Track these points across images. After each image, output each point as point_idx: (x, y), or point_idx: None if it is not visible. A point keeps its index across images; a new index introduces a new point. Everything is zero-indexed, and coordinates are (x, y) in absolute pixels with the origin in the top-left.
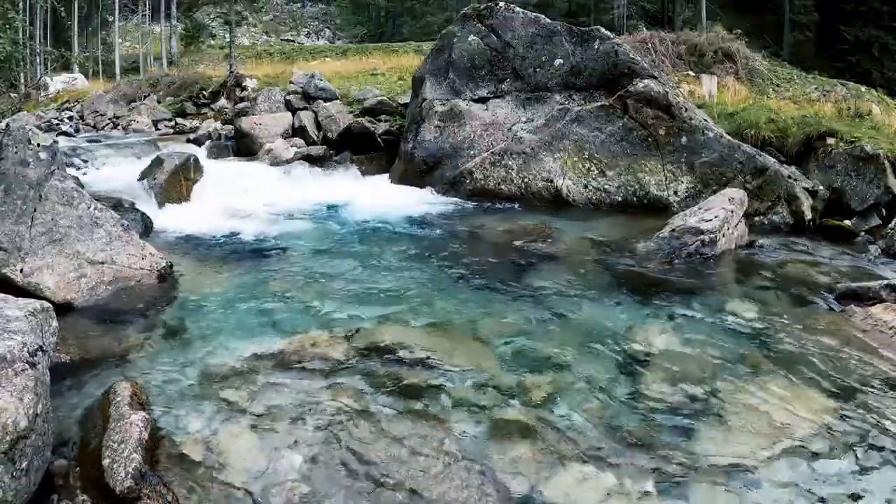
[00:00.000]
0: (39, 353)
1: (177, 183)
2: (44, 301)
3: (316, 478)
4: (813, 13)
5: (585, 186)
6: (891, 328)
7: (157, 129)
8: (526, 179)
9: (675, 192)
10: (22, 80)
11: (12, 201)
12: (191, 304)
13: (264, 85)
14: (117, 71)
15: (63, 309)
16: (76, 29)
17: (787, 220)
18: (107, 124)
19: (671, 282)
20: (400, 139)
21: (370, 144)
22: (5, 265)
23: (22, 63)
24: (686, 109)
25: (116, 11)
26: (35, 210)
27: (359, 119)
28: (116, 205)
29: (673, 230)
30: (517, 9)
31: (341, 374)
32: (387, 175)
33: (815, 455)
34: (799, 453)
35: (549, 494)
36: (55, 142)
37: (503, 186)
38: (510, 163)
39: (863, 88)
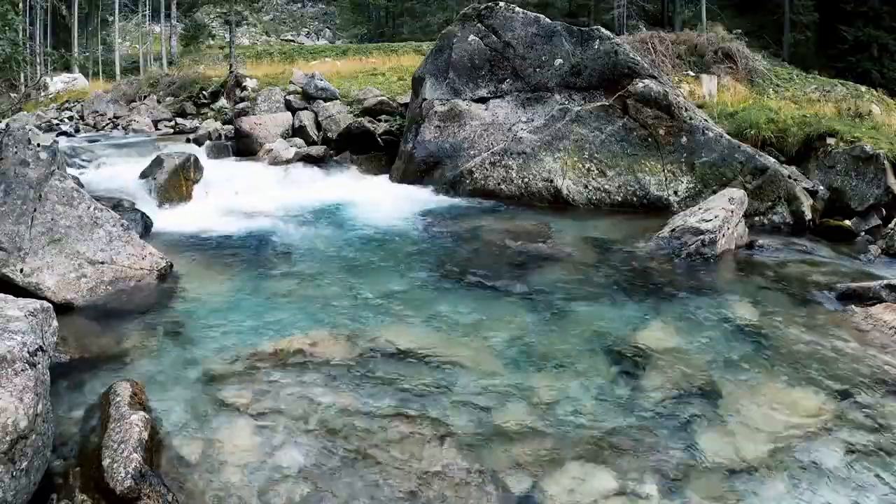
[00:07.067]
0: (39, 353)
1: (177, 183)
2: (44, 301)
3: (316, 477)
4: (813, 13)
5: (585, 186)
6: (891, 328)
7: (157, 129)
8: (526, 179)
9: (675, 192)
10: (22, 80)
11: (12, 201)
12: (191, 304)
13: (264, 85)
14: (117, 71)
15: (63, 309)
16: (76, 29)
17: (787, 220)
18: (107, 124)
19: (671, 282)
20: (400, 139)
21: (370, 144)
22: (5, 265)
23: (22, 64)
24: (686, 109)
25: (116, 11)
26: (35, 210)
27: (359, 119)
28: (116, 205)
29: (673, 230)
30: (517, 9)
31: (341, 373)
32: (387, 175)
33: (816, 454)
34: (799, 453)
35: (549, 494)
36: (55, 142)
37: (503, 186)
38: (510, 163)
39: (863, 88)
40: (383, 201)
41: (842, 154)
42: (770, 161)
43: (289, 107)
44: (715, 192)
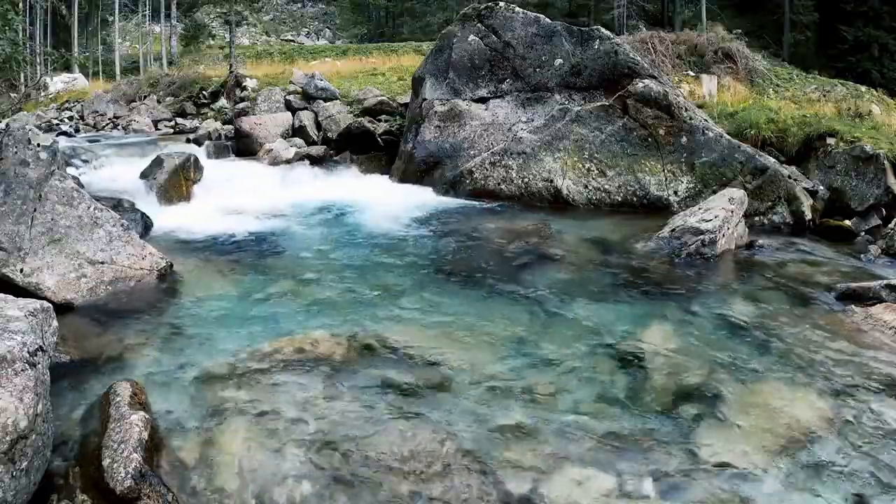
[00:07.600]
0: (39, 353)
1: (177, 183)
2: (44, 301)
3: (315, 478)
4: (813, 13)
5: (585, 186)
6: (891, 328)
7: (157, 129)
8: (526, 179)
9: (675, 192)
10: (22, 80)
11: (12, 201)
12: (191, 304)
13: (264, 85)
14: (117, 71)
15: (63, 309)
16: (76, 29)
17: (787, 220)
18: (107, 124)
19: (671, 282)
20: (400, 139)
21: (370, 144)
22: (5, 265)
23: (22, 64)
24: (686, 109)
25: (116, 11)
26: (35, 210)
27: (359, 119)
28: (116, 205)
29: (673, 230)
30: (517, 9)
31: (341, 373)
32: (387, 175)
33: (815, 455)
34: (799, 453)
35: (549, 495)
36: (55, 142)
37: (503, 186)
38: (510, 163)
39: (863, 88)
40: (383, 201)
41: (842, 154)
42: (770, 161)
43: (289, 107)
44: (715, 192)
